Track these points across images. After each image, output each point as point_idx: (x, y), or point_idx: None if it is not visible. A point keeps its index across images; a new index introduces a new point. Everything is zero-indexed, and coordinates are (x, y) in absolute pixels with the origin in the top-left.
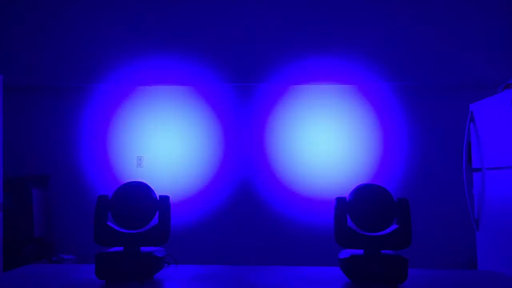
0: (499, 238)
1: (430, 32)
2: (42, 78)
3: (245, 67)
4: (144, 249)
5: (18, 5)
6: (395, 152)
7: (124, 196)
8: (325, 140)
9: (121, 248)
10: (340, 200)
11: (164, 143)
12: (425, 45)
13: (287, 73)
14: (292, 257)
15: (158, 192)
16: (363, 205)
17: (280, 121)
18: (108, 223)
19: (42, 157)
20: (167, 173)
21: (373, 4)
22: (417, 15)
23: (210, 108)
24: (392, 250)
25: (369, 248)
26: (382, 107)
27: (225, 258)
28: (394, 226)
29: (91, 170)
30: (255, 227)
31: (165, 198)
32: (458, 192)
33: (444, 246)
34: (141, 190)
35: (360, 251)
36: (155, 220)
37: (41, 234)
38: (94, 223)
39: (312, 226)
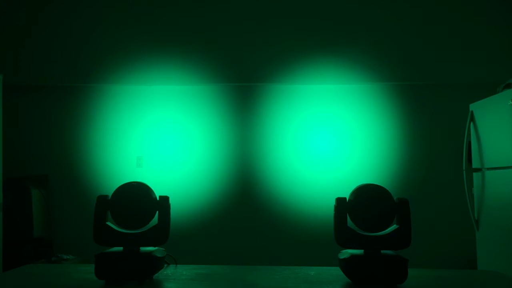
0: (499, 238)
1: (430, 32)
2: (42, 78)
3: (245, 67)
4: (143, 249)
5: (18, 5)
6: (395, 152)
7: (123, 196)
8: (325, 140)
9: (120, 248)
10: (340, 200)
11: (164, 143)
12: (425, 45)
13: (288, 73)
14: (292, 257)
15: (158, 192)
16: (363, 205)
17: (281, 121)
18: (108, 223)
19: (42, 157)
20: (167, 173)
21: (373, 4)
22: (417, 15)
23: (210, 108)
24: (392, 250)
25: (369, 248)
26: (382, 107)
27: (225, 258)
28: (394, 226)
29: (90, 170)
30: (255, 227)
31: (165, 198)
32: (458, 192)
33: (444, 246)
34: (141, 190)
35: (360, 251)
36: (155, 220)
37: (40, 234)
38: (94, 223)
39: (312, 226)
